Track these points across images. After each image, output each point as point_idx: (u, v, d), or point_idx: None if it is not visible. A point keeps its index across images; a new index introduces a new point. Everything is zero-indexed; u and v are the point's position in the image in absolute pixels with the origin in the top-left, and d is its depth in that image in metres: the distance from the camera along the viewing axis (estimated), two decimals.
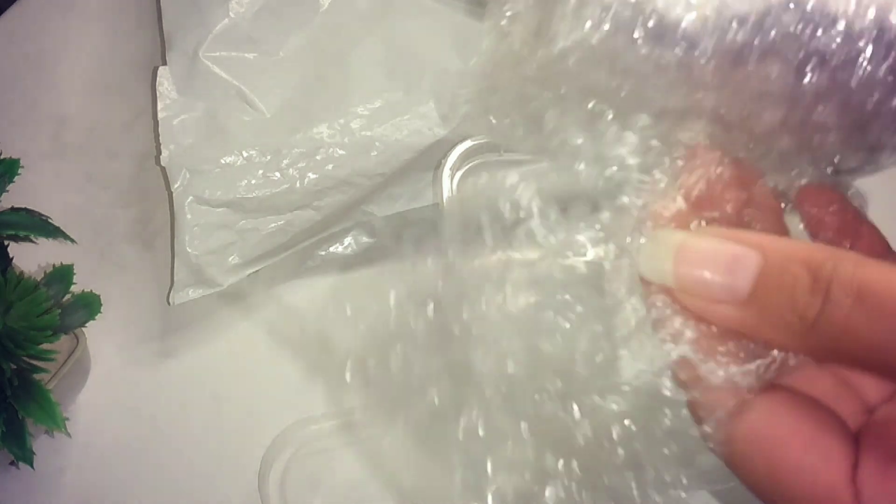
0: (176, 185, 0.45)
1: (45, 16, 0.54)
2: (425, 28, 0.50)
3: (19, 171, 0.37)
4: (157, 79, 0.47)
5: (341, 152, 0.46)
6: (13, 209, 0.37)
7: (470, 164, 0.47)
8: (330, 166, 0.46)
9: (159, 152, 0.46)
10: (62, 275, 0.37)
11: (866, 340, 0.20)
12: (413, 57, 0.49)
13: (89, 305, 0.38)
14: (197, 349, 0.47)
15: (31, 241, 0.37)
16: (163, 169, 0.46)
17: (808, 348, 0.21)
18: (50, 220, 0.38)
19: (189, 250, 0.44)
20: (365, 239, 0.50)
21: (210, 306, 0.48)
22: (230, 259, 0.45)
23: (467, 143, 0.46)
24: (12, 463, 0.37)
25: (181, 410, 0.46)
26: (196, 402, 0.46)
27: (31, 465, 0.35)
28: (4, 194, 0.37)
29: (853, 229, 0.27)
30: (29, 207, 0.38)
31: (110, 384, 0.46)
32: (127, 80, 0.52)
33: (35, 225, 0.37)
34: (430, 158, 0.48)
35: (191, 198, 0.45)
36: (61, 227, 0.38)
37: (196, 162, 0.45)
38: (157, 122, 0.46)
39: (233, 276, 0.46)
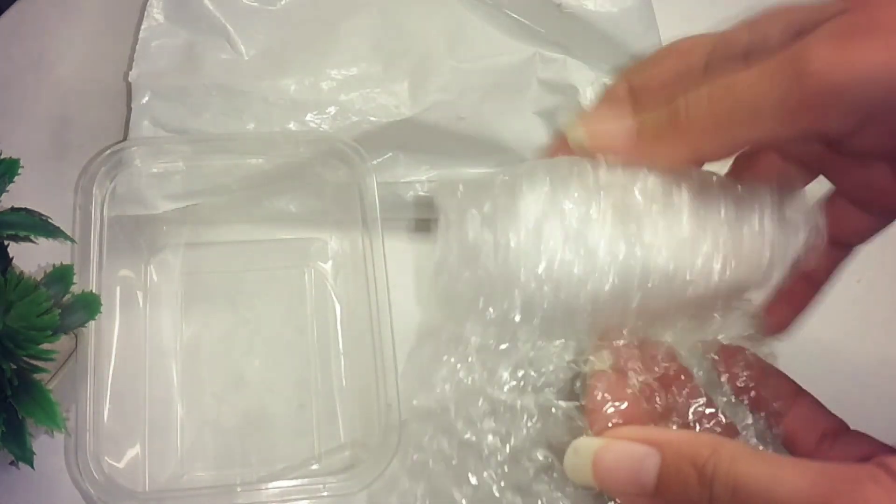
0: (137, 104, 0.46)
1: (45, 16, 0.54)
2: (422, 11, 0.50)
3: (19, 171, 0.37)
4: None
5: (302, 108, 0.47)
6: (13, 209, 0.37)
7: None
8: (291, 123, 0.46)
9: (130, 67, 0.47)
10: (62, 275, 0.37)
11: None
12: (402, 35, 0.49)
13: (89, 305, 0.38)
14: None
15: (31, 241, 0.37)
16: (128, 84, 0.47)
17: None
18: (50, 220, 0.38)
19: (138, 164, 0.45)
20: (312, 201, 0.50)
21: (212, 299, 0.48)
22: (172, 186, 0.46)
23: None
24: (12, 463, 0.37)
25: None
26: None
27: (32, 465, 0.35)
28: (4, 194, 0.37)
29: (760, 378, 0.34)
30: (29, 207, 0.38)
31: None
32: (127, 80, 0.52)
33: (35, 225, 0.37)
34: (390, 136, 0.48)
35: (148, 117, 0.46)
36: (61, 227, 0.38)
37: (162, 86, 0.47)
38: (137, 39, 0.48)
39: (171, 204, 0.46)
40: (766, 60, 0.27)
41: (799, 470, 0.25)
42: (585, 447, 0.29)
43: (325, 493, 0.40)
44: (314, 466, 0.45)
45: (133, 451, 0.44)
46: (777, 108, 0.27)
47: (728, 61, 0.30)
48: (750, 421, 0.34)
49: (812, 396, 0.35)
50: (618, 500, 0.31)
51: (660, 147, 0.30)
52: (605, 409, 0.30)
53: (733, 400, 0.34)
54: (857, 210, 0.33)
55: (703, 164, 0.32)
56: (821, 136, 0.28)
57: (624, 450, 0.28)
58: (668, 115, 0.30)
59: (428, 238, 0.51)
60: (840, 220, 0.33)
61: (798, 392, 0.35)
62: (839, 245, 0.34)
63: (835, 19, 0.27)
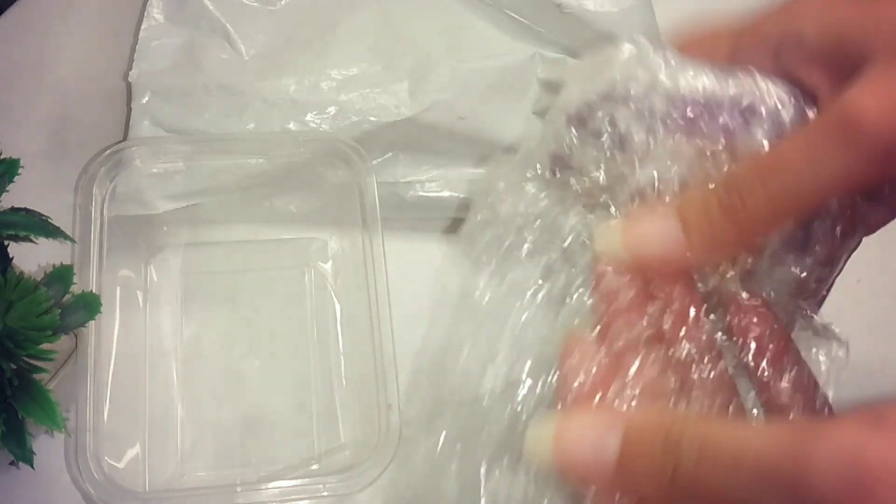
0: (137, 104, 0.46)
1: (45, 16, 0.54)
2: (421, 11, 0.50)
3: (19, 171, 0.37)
4: None
5: (302, 108, 0.47)
6: (13, 209, 0.37)
7: None
8: (291, 123, 0.46)
9: (130, 67, 0.47)
10: (62, 275, 0.37)
11: (714, 485, 0.24)
12: (401, 35, 0.49)
13: (89, 305, 0.38)
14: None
15: (31, 241, 0.37)
16: (128, 84, 0.47)
17: (673, 498, 0.25)
18: (50, 220, 0.38)
19: (138, 164, 0.45)
20: (312, 201, 0.50)
21: (212, 299, 0.48)
22: (172, 186, 0.46)
23: None
24: (12, 463, 0.37)
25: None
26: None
27: (32, 465, 0.35)
28: (4, 194, 0.37)
29: (778, 346, 0.30)
30: (29, 207, 0.38)
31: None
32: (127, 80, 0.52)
33: (35, 225, 0.37)
34: (390, 136, 0.48)
35: (148, 117, 0.46)
36: (61, 227, 0.38)
37: (162, 86, 0.47)
38: (137, 39, 0.48)
39: (171, 204, 0.46)
40: (812, 124, 0.26)
41: (772, 426, 0.24)
42: (546, 425, 0.27)
43: (325, 493, 0.40)
44: (314, 466, 0.45)
45: (133, 451, 0.44)
46: (834, 184, 0.26)
47: (756, 54, 0.29)
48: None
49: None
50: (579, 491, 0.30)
51: (715, 251, 0.28)
52: (575, 379, 0.28)
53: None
54: (866, 201, 0.32)
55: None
56: (878, 187, 0.27)
57: (585, 423, 0.27)
58: (721, 212, 0.27)
59: (428, 238, 0.51)
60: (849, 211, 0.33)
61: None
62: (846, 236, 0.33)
63: (873, 68, 0.26)
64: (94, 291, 0.40)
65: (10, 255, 0.38)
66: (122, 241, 0.46)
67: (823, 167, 0.26)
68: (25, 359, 0.35)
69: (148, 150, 0.45)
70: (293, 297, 0.49)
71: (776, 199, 0.26)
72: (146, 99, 0.47)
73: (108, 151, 0.44)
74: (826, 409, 0.30)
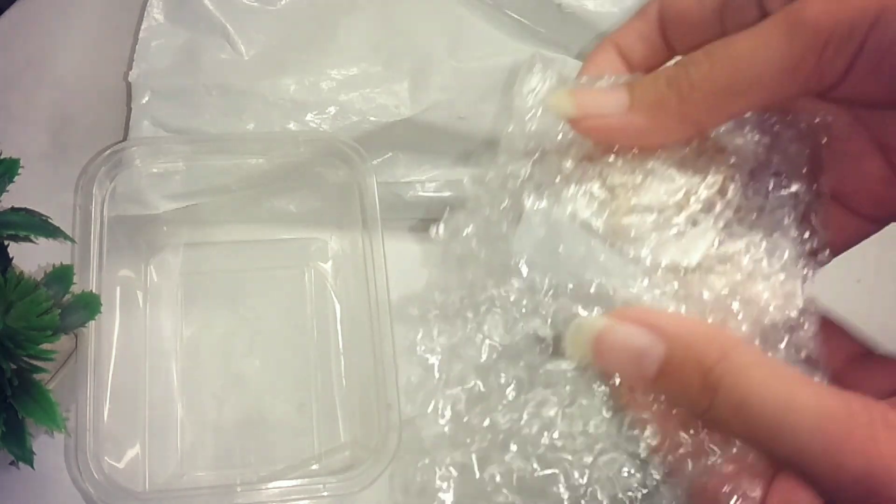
0: (137, 104, 0.46)
1: (45, 16, 0.54)
2: (422, 11, 0.50)
3: (19, 171, 0.37)
4: None
5: (302, 108, 0.47)
6: (13, 209, 0.37)
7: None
8: (291, 123, 0.46)
9: (130, 67, 0.47)
10: (62, 275, 0.37)
11: (745, 435, 0.25)
12: (402, 36, 0.49)
13: (89, 305, 0.38)
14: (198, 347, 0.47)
15: (31, 241, 0.37)
16: (128, 84, 0.47)
17: (705, 423, 0.27)
18: (50, 220, 0.38)
19: (138, 164, 0.45)
20: (312, 201, 0.50)
21: (212, 299, 0.48)
22: (172, 186, 0.46)
23: None
24: (12, 463, 0.37)
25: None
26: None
27: (32, 465, 0.35)
28: (4, 194, 0.37)
29: None
30: (29, 207, 0.38)
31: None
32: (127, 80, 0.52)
33: (35, 225, 0.37)
34: (390, 136, 0.48)
35: (148, 117, 0.46)
36: (61, 227, 0.38)
37: (162, 86, 0.47)
38: (137, 39, 0.48)
39: (171, 204, 0.46)
40: (762, 21, 0.27)
41: (816, 398, 0.23)
42: (588, 327, 0.28)
43: (325, 493, 0.40)
44: (314, 466, 0.45)
45: (133, 451, 0.44)
46: (778, 71, 0.27)
47: (742, 9, 0.30)
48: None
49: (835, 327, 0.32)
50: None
51: (656, 119, 0.29)
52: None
53: None
54: (846, 213, 0.33)
55: (699, 134, 0.30)
56: (818, 85, 0.27)
57: (627, 336, 0.27)
58: (667, 82, 0.28)
59: (428, 238, 0.51)
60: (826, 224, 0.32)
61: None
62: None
63: None
64: (94, 291, 0.40)
65: (10, 255, 0.38)
66: (122, 241, 0.46)
67: (767, 50, 0.27)
68: (25, 359, 0.34)
69: (148, 150, 0.45)
70: (293, 297, 0.49)
71: (719, 74, 0.27)
72: (146, 99, 0.47)
73: (108, 151, 0.44)
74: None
